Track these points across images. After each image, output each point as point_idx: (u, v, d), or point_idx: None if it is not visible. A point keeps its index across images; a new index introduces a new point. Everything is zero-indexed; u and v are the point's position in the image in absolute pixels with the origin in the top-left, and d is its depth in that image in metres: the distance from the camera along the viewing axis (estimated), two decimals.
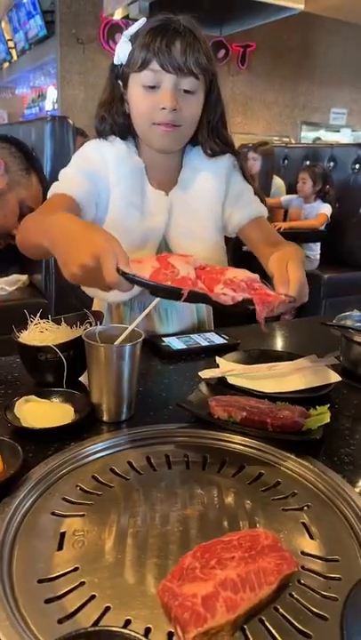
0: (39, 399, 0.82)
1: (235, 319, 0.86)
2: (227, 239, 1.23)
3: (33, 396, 0.82)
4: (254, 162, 4.01)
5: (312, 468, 0.72)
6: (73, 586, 0.52)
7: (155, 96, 1.00)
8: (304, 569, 0.56)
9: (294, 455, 0.74)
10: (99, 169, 1.09)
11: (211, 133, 1.10)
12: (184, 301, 0.71)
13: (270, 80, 7.76)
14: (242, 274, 0.78)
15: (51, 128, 2.32)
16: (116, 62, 1.05)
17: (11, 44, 7.94)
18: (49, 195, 1.05)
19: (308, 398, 0.88)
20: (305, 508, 0.66)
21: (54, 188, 1.05)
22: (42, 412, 0.79)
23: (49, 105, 7.33)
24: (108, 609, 0.50)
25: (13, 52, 8.04)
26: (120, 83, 1.07)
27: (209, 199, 1.15)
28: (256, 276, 0.79)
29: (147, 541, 0.58)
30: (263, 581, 0.52)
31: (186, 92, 1.00)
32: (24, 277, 2.51)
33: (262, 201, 1.20)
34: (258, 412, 0.80)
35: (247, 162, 4.00)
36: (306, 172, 3.73)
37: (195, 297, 0.72)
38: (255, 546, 0.55)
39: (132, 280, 0.70)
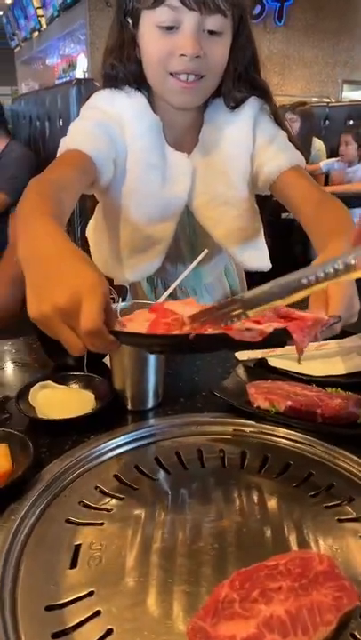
0: (56, 385, 0.74)
1: None
2: (262, 204, 1.05)
3: (50, 382, 0.74)
4: (292, 123, 3.76)
5: None
6: (87, 616, 0.44)
7: (172, 39, 0.81)
8: None
9: (349, 452, 0.63)
10: (114, 122, 0.91)
11: (237, 82, 0.92)
12: (197, 352, 0.55)
13: (309, 36, 7.30)
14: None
15: (77, 91, 2.21)
16: None
17: (40, 12, 7.77)
18: (60, 149, 0.87)
19: None
20: None
21: (66, 144, 0.86)
22: (59, 401, 0.71)
23: (79, 74, 7.16)
24: None
25: (42, 21, 7.87)
26: (129, 21, 0.88)
27: (236, 157, 0.97)
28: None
29: (175, 561, 0.49)
30: (319, 621, 0.41)
31: (211, 33, 0.81)
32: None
33: (300, 151, 0.97)
34: (305, 400, 0.69)
35: None
36: (349, 134, 3.47)
37: (210, 342, 0.53)
38: (307, 572, 0.45)
39: (124, 338, 0.53)
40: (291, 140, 0.97)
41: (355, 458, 0.62)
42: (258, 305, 0.48)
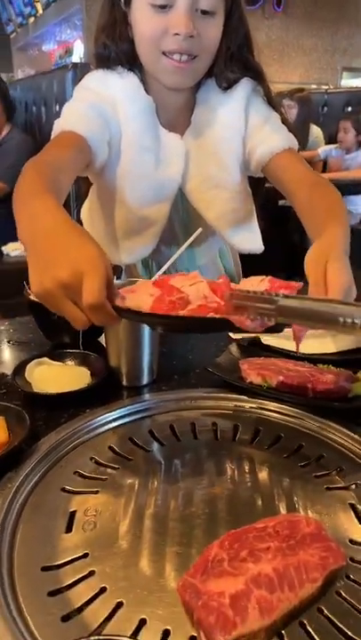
0: (52, 362, 0.75)
1: (268, 270, 0.71)
2: (255, 187, 1.05)
3: (45, 359, 0.75)
4: (290, 110, 3.73)
5: (360, 440, 0.62)
6: (81, 575, 0.45)
7: (165, 18, 0.81)
8: (353, 561, 0.47)
9: (339, 425, 0.65)
10: (107, 103, 0.90)
11: (228, 62, 0.91)
12: (197, 332, 0.55)
13: (309, 23, 7.22)
14: (262, 283, 0.59)
15: (73, 76, 2.19)
16: None
17: None
18: (54, 131, 0.87)
19: (355, 360, 0.78)
20: (353, 486, 0.56)
21: (61, 125, 0.85)
22: (55, 376, 0.72)
23: (76, 60, 7.08)
24: (120, 605, 0.43)
25: (38, 6, 7.76)
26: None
27: (228, 139, 0.96)
28: (282, 283, 0.58)
29: (167, 525, 0.50)
30: (305, 578, 0.43)
31: (204, 13, 0.81)
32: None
33: (293, 133, 0.96)
34: (297, 375, 0.70)
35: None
36: (348, 121, 3.45)
37: (212, 326, 0.55)
38: (295, 534, 0.46)
39: (125, 314, 0.53)
40: (284, 121, 0.96)
41: (345, 430, 0.64)
42: (292, 318, 0.47)
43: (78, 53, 6.96)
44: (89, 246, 0.52)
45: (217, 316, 0.51)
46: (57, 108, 2.40)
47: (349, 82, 7.88)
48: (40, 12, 7.76)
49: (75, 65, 2.27)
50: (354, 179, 3.39)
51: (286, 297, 0.47)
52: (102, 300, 0.49)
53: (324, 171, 3.71)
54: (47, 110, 2.57)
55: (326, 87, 5.88)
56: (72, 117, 0.86)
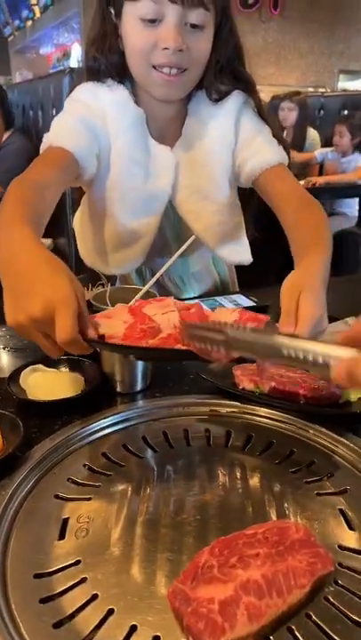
0: (46, 368, 0.75)
1: (263, 275, 0.72)
2: (248, 199, 1.05)
3: (40, 365, 0.76)
4: (290, 112, 3.74)
5: (351, 446, 0.63)
6: (73, 582, 0.46)
7: (155, 32, 0.81)
8: (342, 567, 0.48)
9: (330, 431, 0.65)
10: (97, 117, 0.91)
11: (218, 74, 0.92)
12: (166, 362, 0.59)
13: (305, 26, 7.25)
14: (232, 314, 0.62)
15: (69, 80, 2.20)
16: None
17: (33, 0, 7.69)
18: (43, 146, 0.88)
19: None
20: (343, 492, 0.57)
21: (49, 140, 0.86)
22: (49, 383, 0.72)
23: (74, 63, 7.11)
24: (111, 612, 0.43)
25: (36, 9, 7.80)
26: (112, 11, 0.87)
27: (218, 152, 0.97)
28: (250, 315, 0.61)
29: (158, 532, 0.51)
30: (293, 584, 0.44)
31: (193, 26, 0.81)
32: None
33: (283, 146, 0.97)
34: (289, 381, 0.71)
35: (280, 112, 3.75)
36: (343, 125, 3.46)
37: (179, 356, 0.58)
38: (284, 540, 0.47)
39: (98, 346, 0.56)
40: (275, 135, 0.97)
41: (335, 436, 0.65)
42: (241, 350, 0.48)
43: (76, 56, 6.99)
44: (61, 281, 0.53)
45: (183, 347, 0.54)
46: (53, 112, 2.41)
47: (346, 84, 7.92)
48: (38, 15, 7.80)
49: (71, 70, 2.28)
50: (349, 182, 3.41)
51: (235, 328, 0.48)
52: (74, 335, 0.51)
53: (320, 173, 3.73)
54: (44, 114, 2.57)
55: (323, 90, 5.90)
56: (61, 131, 0.87)
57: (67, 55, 7.43)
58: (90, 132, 0.89)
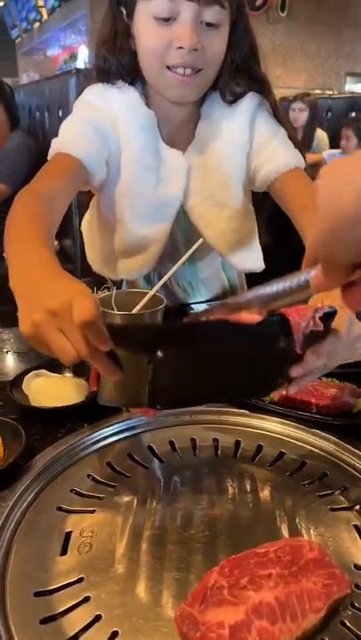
0: (50, 374, 0.73)
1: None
2: (261, 202, 1.01)
3: (43, 370, 0.74)
4: (301, 113, 3.70)
5: None
6: (75, 602, 0.44)
7: (169, 31, 0.78)
8: (359, 588, 0.45)
9: (343, 441, 0.63)
10: (107, 120, 0.88)
11: (233, 74, 0.89)
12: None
13: (313, 28, 7.23)
14: None
15: (76, 81, 2.18)
16: None
17: (40, 2, 7.71)
18: (51, 152, 0.85)
19: (359, 373, 0.76)
20: (358, 506, 0.55)
21: (57, 146, 0.84)
22: (52, 389, 0.70)
23: (80, 65, 7.12)
24: (115, 634, 0.41)
25: (43, 11, 7.81)
26: (123, 11, 0.84)
27: (232, 155, 0.94)
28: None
29: (165, 548, 0.49)
30: (308, 608, 0.41)
31: (208, 25, 0.79)
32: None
33: (299, 149, 0.94)
34: (300, 389, 0.69)
35: (291, 113, 3.72)
36: (350, 129, 3.43)
37: (210, 330, 0.53)
38: (297, 560, 0.45)
39: (119, 332, 0.50)
40: (290, 137, 0.94)
41: (349, 447, 0.62)
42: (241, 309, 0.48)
43: (83, 58, 6.99)
44: (77, 283, 0.51)
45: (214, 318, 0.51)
46: (60, 113, 2.40)
47: (353, 87, 7.89)
48: (45, 17, 7.81)
49: (78, 71, 2.26)
50: None
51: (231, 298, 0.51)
52: (95, 315, 0.46)
53: None
54: (50, 116, 2.57)
55: (330, 92, 5.88)
56: (68, 137, 0.85)
57: (74, 57, 7.44)
58: (99, 136, 0.86)
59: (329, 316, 0.57)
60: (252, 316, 0.49)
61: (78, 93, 0.96)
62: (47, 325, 0.48)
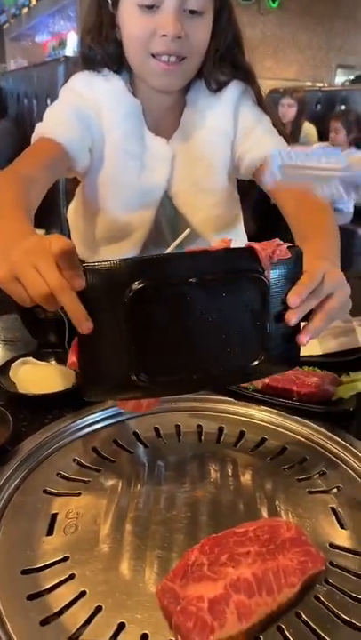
0: (37, 361, 0.74)
1: None
2: (246, 190, 1.04)
3: (31, 358, 0.75)
4: (289, 108, 3.72)
5: (343, 444, 0.62)
6: (61, 579, 0.45)
7: (153, 18, 0.79)
8: (333, 565, 0.47)
9: (323, 428, 0.65)
10: (91, 108, 0.90)
11: (217, 63, 0.90)
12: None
13: (304, 19, 7.21)
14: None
15: (64, 69, 2.17)
16: None
17: None
18: (34, 137, 0.86)
19: (339, 363, 0.78)
20: (335, 490, 0.57)
21: (40, 130, 0.85)
22: (40, 376, 0.71)
23: (70, 52, 7.03)
24: (99, 609, 0.43)
25: None
26: (109, 0, 0.85)
27: (216, 143, 0.95)
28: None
29: (149, 528, 0.50)
30: (283, 583, 0.43)
31: (192, 12, 0.80)
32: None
33: (284, 136, 0.95)
34: (282, 378, 0.71)
35: (280, 108, 3.73)
36: (338, 121, 3.44)
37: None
38: (275, 539, 0.47)
39: (94, 272, 0.48)
40: (275, 124, 0.95)
41: (328, 433, 0.64)
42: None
43: (72, 45, 6.90)
44: (33, 236, 0.53)
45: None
46: (48, 101, 2.38)
47: (343, 79, 7.89)
48: (34, 2, 7.69)
49: (66, 58, 2.25)
50: None
51: None
52: (71, 246, 0.47)
53: None
54: (39, 103, 2.54)
55: (321, 85, 5.88)
56: (52, 122, 0.86)
57: (62, 44, 7.34)
58: (82, 123, 0.87)
59: (298, 256, 0.56)
60: (220, 244, 0.53)
61: (67, 81, 0.97)
62: (22, 263, 0.49)
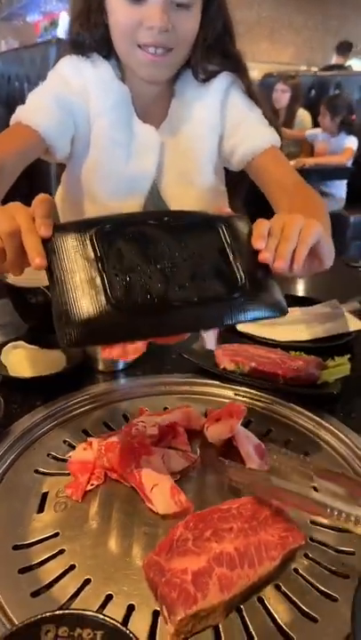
0: (28, 345, 0.75)
1: None
2: (237, 184, 1.04)
3: (22, 342, 0.76)
4: (283, 94, 3.70)
5: (327, 426, 0.64)
6: (51, 554, 0.47)
7: (140, 10, 0.79)
8: (313, 541, 0.49)
9: (308, 411, 0.67)
10: (77, 95, 0.89)
11: (205, 53, 0.89)
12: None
13: (300, 1, 7.11)
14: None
15: (56, 52, 2.14)
16: None
17: None
18: (13, 119, 0.86)
19: (325, 348, 0.80)
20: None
21: (18, 114, 0.85)
22: (30, 360, 0.72)
23: (62, 33, 6.89)
24: (87, 582, 0.45)
25: None
26: None
27: (203, 137, 0.95)
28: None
29: (136, 506, 0.52)
30: (264, 556, 0.45)
31: (179, 5, 0.79)
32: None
33: (275, 127, 0.95)
34: (268, 362, 0.72)
35: (274, 93, 3.71)
36: (324, 105, 3.44)
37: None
38: (257, 515, 0.49)
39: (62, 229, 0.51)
40: (266, 115, 0.94)
41: (312, 416, 0.66)
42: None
43: (64, 25, 6.76)
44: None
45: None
46: (40, 83, 2.35)
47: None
48: None
49: (58, 40, 2.22)
50: (337, 164, 3.39)
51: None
52: (51, 199, 0.51)
53: (312, 154, 3.70)
54: (30, 86, 2.51)
55: (315, 69, 5.82)
56: (32, 108, 0.86)
57: (54, 24, 7.19)
58: (64, 110, 0.87)
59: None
60: None
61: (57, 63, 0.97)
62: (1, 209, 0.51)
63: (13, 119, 0.86)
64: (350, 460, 0.59)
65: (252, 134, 0.92)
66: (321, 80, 4.07)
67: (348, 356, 0.74)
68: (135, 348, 0.59)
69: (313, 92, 4.02)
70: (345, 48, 5.42)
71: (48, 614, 0.37)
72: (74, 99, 0.89)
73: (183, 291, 0.51)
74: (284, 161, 0.93)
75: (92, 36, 0.88)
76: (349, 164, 3.40)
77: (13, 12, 8.38)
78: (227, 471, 0.54)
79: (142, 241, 0.52)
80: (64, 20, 6.72)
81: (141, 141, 0.93)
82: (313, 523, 0.51)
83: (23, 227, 0.50)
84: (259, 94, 0.97)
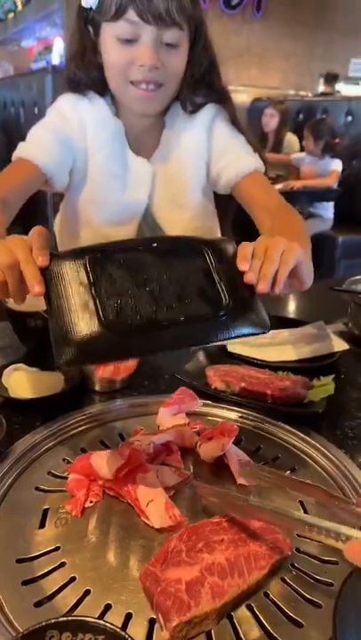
0: (28, 368, 0.79)
1: None
2: (226, 205, 1.10)
3: (22, 365, 0.79)
4: (272, 118, 3.83)
5: (313, 443, 0.68)
6: (53, 566, 0.50)
7: (132, 50, 0.85)
8: (299, 551, 0.53)
9: (295, 428, 0.70)
10: (74, 131, 0.96)
11: (192, 88, 0.96)
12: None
13: (288, 28, 7.33)
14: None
15: (52, 80, 2.22)
16: (84, 5, 0.87)
17: None
18: (14, 156, 0.92)
19: (312, 368, 0.84)
20: None
21: (20, 150, 0.91)
22: (30, 382, 0.76)
23: (56, 58, 7.06)
24: (87, 592, 0.47)
25: (18, 2, 7.70)
26: (90, 30, 0.91)
27: (191, 164, 1.01)
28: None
29: (133, 521, 0.55)
30: (253, 566, 0.48)
31: (168, 45, 0.86)
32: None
33: (258, 153, 1.01)
34: (257, 382, 0.76)
35: (263, 117, 3.83)
36: (307, 129, 3.55)
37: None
38: (247, 528, 0.52)
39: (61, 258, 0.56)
40: (250, 142, 1.01)
41: (299, 433, 0.69)
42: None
43: (58, 51, 6.93)
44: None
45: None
46: (36, 110, 2.42)
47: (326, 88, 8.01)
48: (20, 8, 7.70)
49: (54, 68, 2.29)
50: (324, 186, 3.48)
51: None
52: (47, 232, 0.56)
53: (298, 177, 3.80)
54: (26, 112, 2.58)
55: (304, 94, 5.99)
56: (33, 143, 0.93)
57: (49, 49, 7.37)
58: (63, 146, 0.94)
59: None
60: None
61: (54, 91, 1.05)
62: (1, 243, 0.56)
63: (15, 155, 0.92)
64: (334, 475, 0.63)
65: (236, 160, 0.99)
66: (308, 105, 4.19)
67: (333, 375, 0.78)
68: (126, 367, 0.63)
69: (301, 116, 4.13)
70: (331, 78, 5.76)
71: (52, 621, 0.39)
72: (72, 134, 0.95)
73: (171, 311, 0.54)
74: (266, 184, 0.99)
75: (87, 75, 0.95)
76: (335, 185, 3.49)
77: (8, 38, 8.56)
78: (199, 492, 0.57)
79: (132, 266, 0.57)
80: (58, 46, 6.89)
81: (135, 174, 0.99)
82: (299, 535, 0.55)
83: (22, 258, 0.54)
84: (242, 122, 1.04)
